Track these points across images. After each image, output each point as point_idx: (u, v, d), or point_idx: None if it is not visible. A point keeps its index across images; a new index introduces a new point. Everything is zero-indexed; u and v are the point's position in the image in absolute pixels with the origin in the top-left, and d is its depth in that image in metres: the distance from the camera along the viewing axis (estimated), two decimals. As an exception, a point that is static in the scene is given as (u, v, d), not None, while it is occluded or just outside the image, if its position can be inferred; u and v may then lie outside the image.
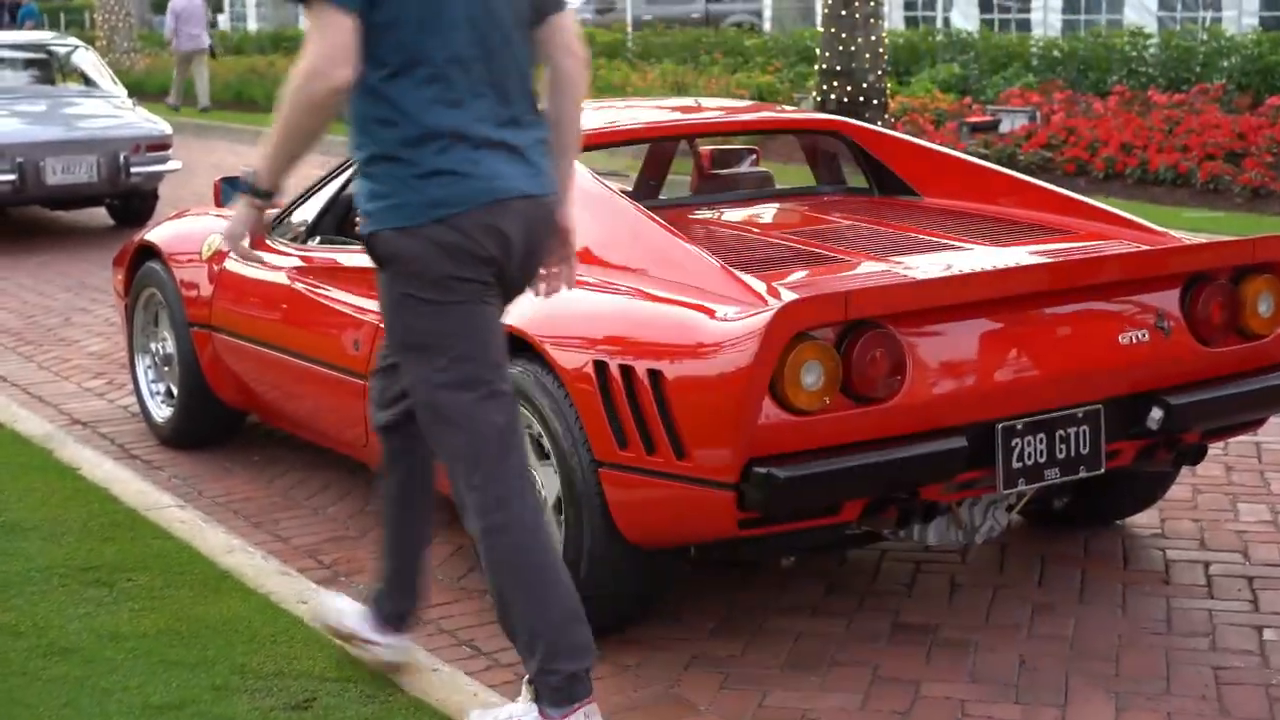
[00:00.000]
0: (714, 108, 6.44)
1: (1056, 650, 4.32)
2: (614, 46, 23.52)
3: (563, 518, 4.32)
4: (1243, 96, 14.34)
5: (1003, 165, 5.66)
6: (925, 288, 4.13)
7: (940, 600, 4.70)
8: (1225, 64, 15.31)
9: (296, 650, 4.17)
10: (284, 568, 4.81)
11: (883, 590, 4.78)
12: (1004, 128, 14.04)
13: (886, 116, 14.87)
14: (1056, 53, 17.13)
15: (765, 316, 3.86)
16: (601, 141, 5.37)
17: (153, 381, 6.64)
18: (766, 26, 26.44)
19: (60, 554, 4.85)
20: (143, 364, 6.69)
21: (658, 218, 4.60)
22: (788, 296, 4.02)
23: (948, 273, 4.28)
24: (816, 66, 15.58)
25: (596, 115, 5.70)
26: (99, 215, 13.31)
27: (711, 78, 19.36)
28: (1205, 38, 16.41)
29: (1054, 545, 5.08)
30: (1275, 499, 5.47)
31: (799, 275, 4.36)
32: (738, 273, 4.21)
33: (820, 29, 18.96)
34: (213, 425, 6.45)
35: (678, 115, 5.96)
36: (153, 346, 6.60)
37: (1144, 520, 5.28)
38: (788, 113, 6.35)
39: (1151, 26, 19.19)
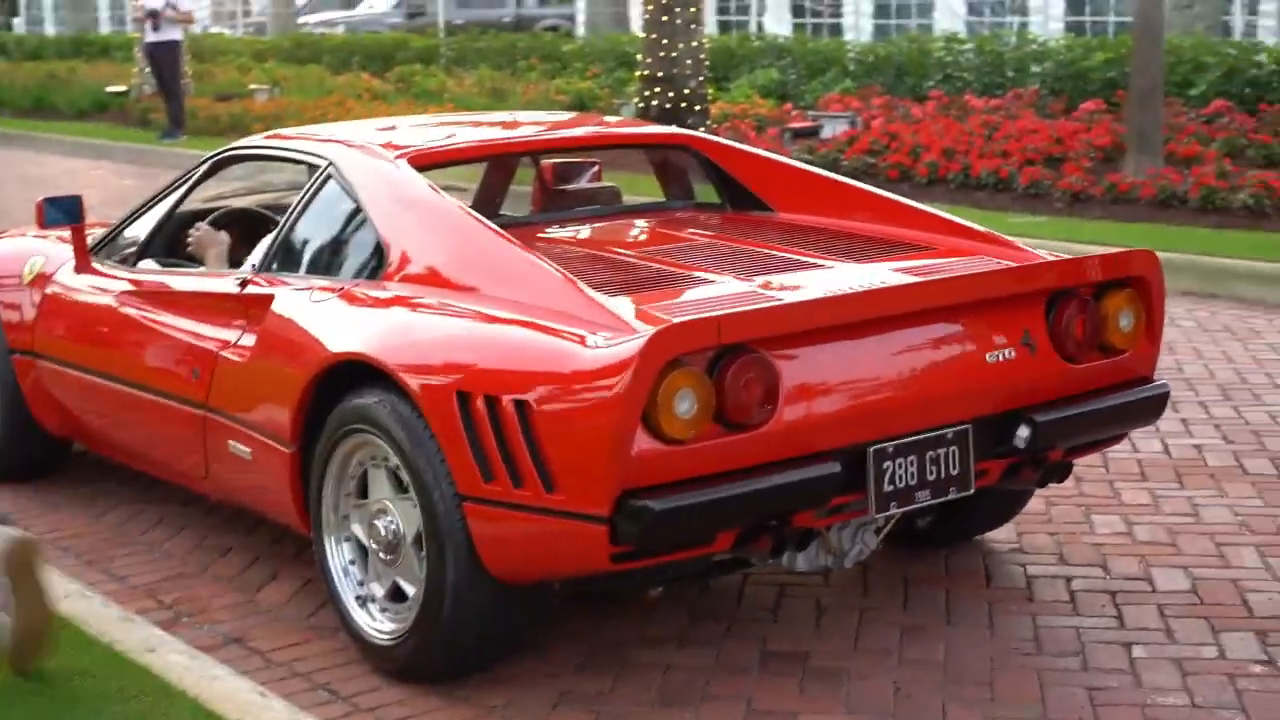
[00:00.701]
0: (553, 122, 6.30)
1: (930, 675, 4.26)
2: (428, 52, 23.23)
3: (423, 554, 4.15)
4: (1056, 101, 14.55)
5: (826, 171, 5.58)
6: (798, 310, 4.04)
7: (807, 626, 4.61)
8: (1037, 69, 15.54)
9: (147, 707, 3.93)
10: (125, 613, 4.57)
11: (748, 617, 4.68)
12: (825, 133, 14.08)
13: (708, 122, 14.84)
14: (873, 58, 17.25)
15: (637, 343, 3.73)
16: (444, 159, 5.20)
17: (-30, 411, 6.32)
18: (580, 31, 26.35)
19: (-118, 605, 4.54)
20: (-41, 393, 6.36)
21: (509, 236, 4.45)
22: (657, 321, 3.90)
23: (818, 294, 4.19)
24: (638, 73, 15.50)
25: (435, 131, 5.54)
26: (-102, 230, 12.75)
27: (529, 83, 19.20)
28: (1015, 43, 16.65)
29: (915, 565, 5.03)
30: (1127, 510, 5.49)
31: (663, 298, 4.24)
32: (599, 295, 4.08)
33: (637, 34, 18.95)
34: (37, 456, 6.15)
35: (523, 131, 5.80)
36: (-31, 375, 6.27)
37: (1001, 535, 5.25)
38: (637, 127, 6.23)
39: (962, 31, 19.46)
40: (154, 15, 18.57)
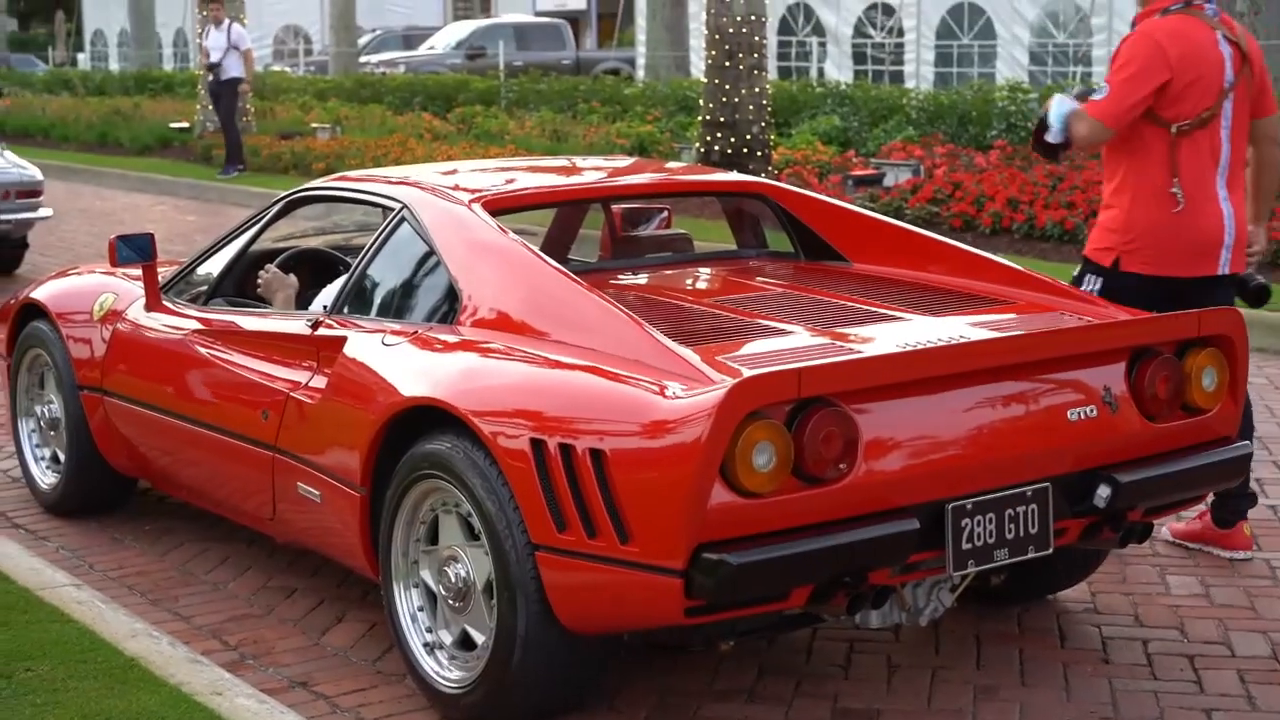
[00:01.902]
0: (621, 168, 6.27)
1: (1005, 737, 4.18)
2: (489, 93, 23.34)
3: (494, 602, 4.11)
4: (1122, 153, 14.49)
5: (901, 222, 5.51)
6: (878, 364, 3.98)
7: (879, 683, 4.54)
8: (1102, 120, 15.48)
9: (215, 749, 3.91)
10: (193, 654, 4.53)
11: (819, 673, 4.62)
12: (888, 181, 14.04)
13: (770, 169, 14.83)
14: (935, 106, 17.21)
15: (717, 394, 3.68)
16: (518, 204, 5.18)
17: (37, 446, 6.34)
18: (639, 75, 26.42)
19: (-51, 642, 4.55)
20: (26, 427, 6.39)
21: (584, 282, 4.42)
22: (732, 372, 3.86)
23: (898, 348, 4.14)
24: (699, 117, 15.51)
25: (502, 176, 5.50)
26: (-36, 263, 12.84)
27: (590, 126, 19.25)
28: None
29: (988, 623, 4.95)
30: (1203, 571, 5.40)
31: (738, 348, 4.19)
32: (673, 344, 4.04)
33: (698, 79, 18.96)
34: (102, 492, 6.15)
35: (595, 176, 5.78)
36: (38, 409, 6.30)
37: (1075, 595, 5.17)
38: (713, 174, 6.19)
39: (1025, 80, 19.41)
40: (215, 68, 18.76)
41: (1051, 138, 5.26)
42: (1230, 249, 5.32)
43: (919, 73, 23.21)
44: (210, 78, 19.28)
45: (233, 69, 18.79)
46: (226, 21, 18.84)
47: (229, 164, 18.96)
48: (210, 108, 21.55)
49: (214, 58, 18.85)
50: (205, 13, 19.65)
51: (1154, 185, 5.22)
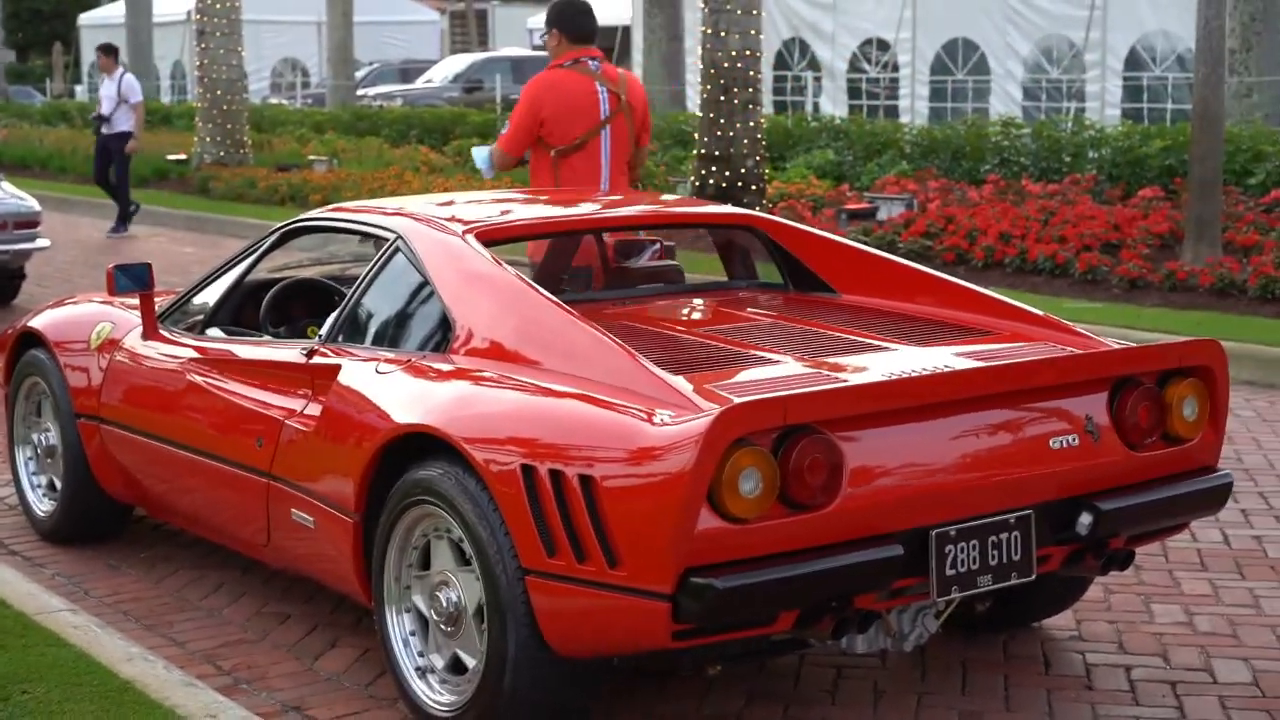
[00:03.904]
0: (614, 200, 6.34)
1: (989, 761, 4.24)
2: (486, 126, 23.44)
3: (484, 626, 4.17)
4: (1114, 188, 14.58)
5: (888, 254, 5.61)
6: (863, 392, 4.05)
7: (865, 708, 4.60)
8: (1095, 155, 15.57)
9: (209, 771, 3.96)
10: (187, 678, 4.58)
11: (806, 698, 4.67)
12: (881, 215, 14.13)
13: (764, 202, 14.92)
14: (929, 141, 17.31)
15: (704, 421, 3.75)
16: (511, 235, 5.25)
17: (34, 474, 6.40)
18: (636, 108, 26.54)
19: (-52, 665, 4.60)
20: (23, 455, 6.45)
21: (575, 312, 4.49)
22: (721, 400, 3.92)
23: (883, 377, 4.21)
24: (695, 151, 15.60)
25: (495, 207, 5.57)
26: (-39, 293, 12.90)
27: (586, 159, 19.31)
28: (1072, 128, 16.70)
29: (973, 649, 5.01)
30: (1188, 600, 5.46)
31: (726, 377, 4.26)
32: (663, 373, 4.11)
33: (694, 113, 19.05)
34: (98, 520, 6.21)
35: (588, 208, 5.85)
36: (34, 437, 6.36)
37: (1060, 622, 5.23)
38: (702, 206, 6.27)
39: (1019, 116, 19.52)
40: (103, 120, 17.79)
41: (487, 175, 7.30)
42: None
43: (913, 107, 23.33)
44: (100, 130, 17.97)
45: (122, 123, 17.72)
46: (119, 72, 17.90)
47: (119, 223, 17.90)
48: (208, 139, 21.68)
49: (104, 109, 17.79)
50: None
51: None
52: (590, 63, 7.00)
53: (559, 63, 7.03)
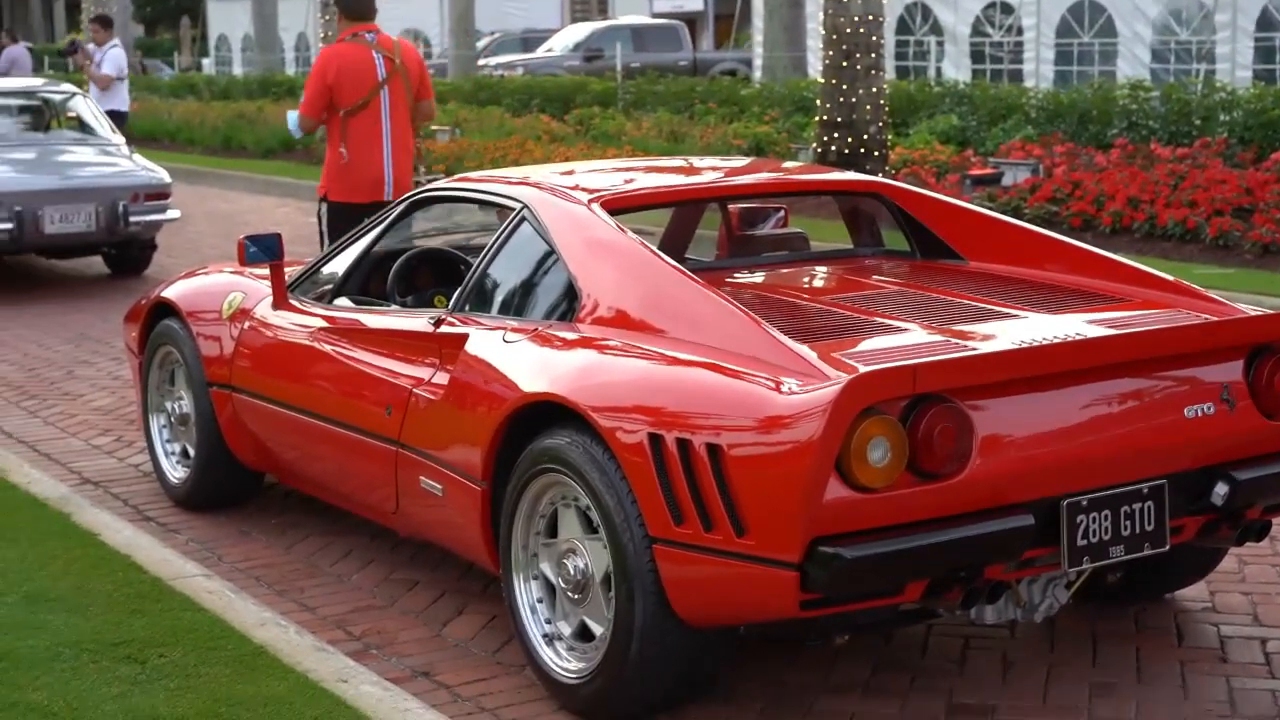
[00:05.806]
0: (738, 167, 6.32)
1: (1121, 734, 4.19)
2: (607, 95, 23.45)
3: (611, 594, 4.18)
4: (1245, 151, 14.30)
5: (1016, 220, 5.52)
6: (993, 361, 4.01)
7: (994, 680, 4.56)
8: (1226, 118, 15.28)
9: (341, 735, 4.01)
10: (319, 643, 4.65)
11: (933, 669, 4.64)
12: (1007, 180, 13.97)
13: (887, 168, 14.80)
14: (1055, 105, 17.06)
15: (833, 390, 3.73)
16: (636, 203, 5.25)
17: (168, 441, 6.51)
18: (757, 76, 26.41)
19: (88, 628, 4.68)
20: (157, 423, 6.56)
21: (700, 280, 4.48)
22: (848, 369, 3.90)
23: (1014, 345, 4.15)
24: (816, 118, 15.51)
25: (619, 176, 5.56)
26: (94, 263, 13.17)
27: (707, 127, 19.28)
28: (1202, 90, 16.38)
29: (1104, 621, 4.95)
30: (1324, 571, 5.36)
31: (855, 345, 4.23)
32: (789, 341, 4.09)
33: (815, 79, 18.94)
34: (230, 486, 6.31)
35: (712, 176, 5.84)
36: (168, 405, 6.46)
37: (1193, 594, 5.15)
38: (829, 174, 6.22)
39: (1146, 79, 19.19)
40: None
41: (296, 134, 8.95)
42: (390, 187, 8.32)
43: (1038, 71, 22.98)
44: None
45: (114, 101, 16.57)
46: (110, 43, 17.08)
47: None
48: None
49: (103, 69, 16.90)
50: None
51: (335, 148, 8.35)
52: (367, 35, 8.45)
53: (341, 37, 8.53)
